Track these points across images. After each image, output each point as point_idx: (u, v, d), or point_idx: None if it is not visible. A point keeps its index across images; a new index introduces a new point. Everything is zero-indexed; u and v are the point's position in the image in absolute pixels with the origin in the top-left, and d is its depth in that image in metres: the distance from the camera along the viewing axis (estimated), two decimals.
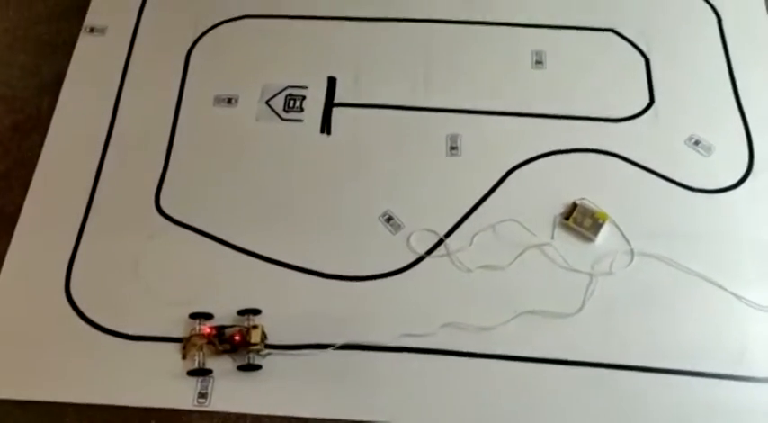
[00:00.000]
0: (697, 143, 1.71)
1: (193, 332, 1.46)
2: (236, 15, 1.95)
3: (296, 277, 1.57)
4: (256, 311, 1.50)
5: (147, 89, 1.83)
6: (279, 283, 1.56)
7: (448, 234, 1.60)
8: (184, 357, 1.47)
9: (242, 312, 1.50)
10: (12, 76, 1.91)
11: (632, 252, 1.56)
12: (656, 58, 1.84)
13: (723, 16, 1.90)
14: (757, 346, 1.46)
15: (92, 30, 1.93)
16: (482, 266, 1.56)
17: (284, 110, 1.79)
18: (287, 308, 1.53)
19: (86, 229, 1.63)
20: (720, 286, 1.52)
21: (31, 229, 1.64)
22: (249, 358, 1.45)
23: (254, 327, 1.45)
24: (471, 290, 1.54)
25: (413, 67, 1.85)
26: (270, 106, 1.80)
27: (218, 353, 1.46)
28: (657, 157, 1.69)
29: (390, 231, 1.62)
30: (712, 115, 1.75)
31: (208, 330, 1.45)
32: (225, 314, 1.51)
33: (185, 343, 1.47)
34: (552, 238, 1.59)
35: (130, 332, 1.51)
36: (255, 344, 1.43)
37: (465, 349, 1.47)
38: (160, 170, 1.71)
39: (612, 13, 1.92)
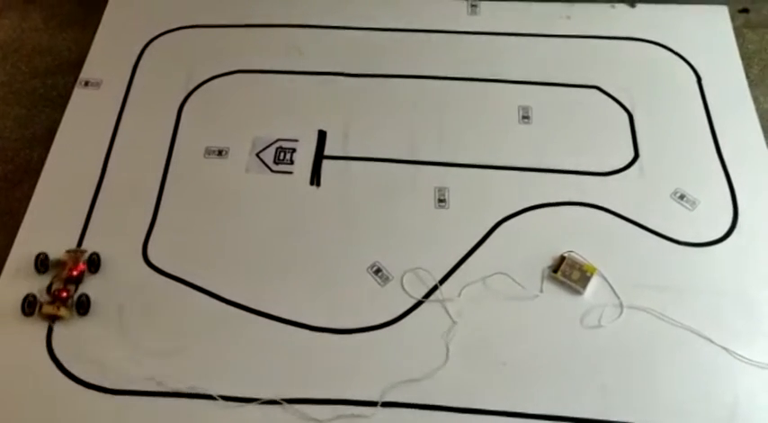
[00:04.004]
0: (682, 197, 1.73)
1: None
2: (229, 70, 1.99)
3: (281, 329, 1.55)
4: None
5: (139, 141, 1.85)
6: (264, 335, 1.54)
7: (434, 288, 1.59)
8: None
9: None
10: (4, 127, 1.93)
11: (621, 305, 1.56)
12: (640, 114, 1.88)
13: (702, 76, 1.96)
14: (748, 401, 1.44)
15: (86, 83, 1.97)
16: (469, 318, 1.55)
17: (274, 162, 1.81)
18: (270, 359, 1.50)
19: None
20: (709, 340, 1.51)
21: (16, 278, 1.62)
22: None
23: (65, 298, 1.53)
24: (457, 342, 1.52)
25: (402, 121, 1.88)
26: (260, 158, 1.81)
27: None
28: (643, 210, 1.71)
29: (379, 283, 1.61)
30: (696, 170, 1.78)
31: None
32: (210, 366, 1.49)
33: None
34: (541, 290, 1.59)
35: (112, 386, 1.47)
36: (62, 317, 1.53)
37: (450, 404, 1.44)
38: (149, 221, 1.71)
39: (596, 70, 1.98)
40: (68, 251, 1.62)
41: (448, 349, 1.51)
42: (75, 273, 1.58)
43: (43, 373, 1.49)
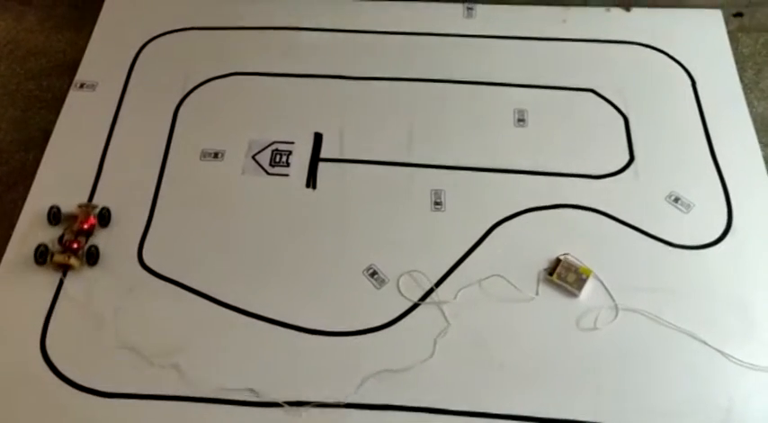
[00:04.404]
0: (677, 200, 1.74)
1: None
2: (225, 73, 1.99)
3: (278, 332, 1.54)
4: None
5: (135, 143, 1.85)
6: (260, 338, 1.54)
7: (430, 290, 1.60)
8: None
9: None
10: None
11: (616, 307, 1.57)
12: (635, 118, 1.89)
13: (697, 79, 1.97)
14: (743, 403, 1.45)
15: (82, 85, 1.96)
16: (466, 321, 1.55)
17: (270, 164, 1.81)
18: (266, 362, 1.50)
19: (66, 283, 1.61)
20: (704, 342, 1.52)
21: (10, 281, 1.62)
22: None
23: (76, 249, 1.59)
24: (454, 345, 1.52)
25: (398, 123, 1.89)
26: (256, 161, 1.81)
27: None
28: (638, 213, 1.71)
29: (375, 286, 1.61)
30: (691, 173, 1.79)
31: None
32: (204, 368, 1.48)
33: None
34: (537, 293, 1.59)
35: (107, 390, 1.47)
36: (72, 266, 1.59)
37: (446, 407, 1.44)
38: (144, 223, 1.71)
39: (591, 74, 1.99)
40: (80, 205, 1.69)
41: (435, 345, 1.51)
42: (85, 226, 1.65)
43: (36, 376, 1.48)
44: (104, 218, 1.69)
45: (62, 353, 1.52)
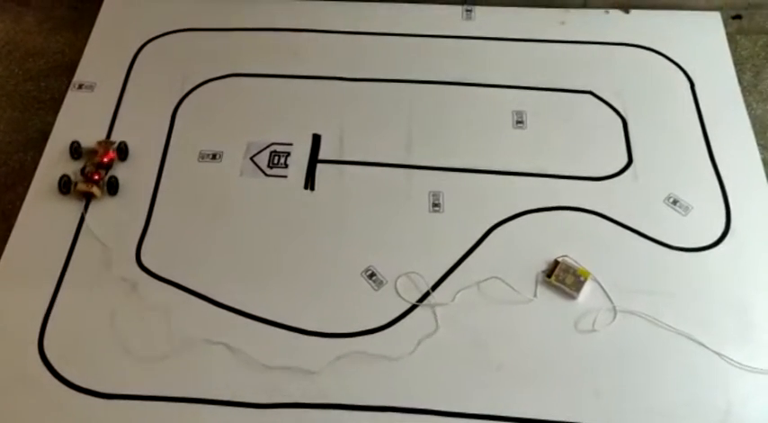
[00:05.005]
0: (675, 202, 1.74)
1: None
2: (223, 74, 1.99)
3: (276, 334, 1.54)
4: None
5: (133, 144, 1.84)
6: (257, 339, 1.53)
7: (428, 293, 1.60)
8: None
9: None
10: None
11: (615, 309, 1.57)
12: (634, 120, 1.89)
13: (696, 82, 1.97)
14: (741, 405, 1.45)
15: (80, 86, 1.96)
16: (463, 324, 1.55)
17: (269, 166, 1.80)
18: (264, 363, 1.50)
19: (64, 284, 1.61)
20: (702, 344, 1.52)
21: (7, 282, 1.62)
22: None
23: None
24: (452, 346, 1.52)
25: (396, 125, 1.89)
26: (254, 162, 1.81)
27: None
28: (637, 215, 1.71)
29: (373, 287, 1.61)
30: (689, 175, 1.79)
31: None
32: (202, 370, 1.48)
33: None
34: (535, 295, 1.59)
35: (105, 390, 1.46)
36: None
37: (444, 409, 1.44)
38: (142, 224, 1.70)
39: (590, 76, 1.99)
40: (99, 142, 1.81)
41: (418, 344, 1.52)
42: (105, 159, 1.77)
43: (36, 377, 1.48)
44: (123, 151, 1.80)
45: (60, 353, 1.51)
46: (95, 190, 1.72)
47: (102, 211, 1.73)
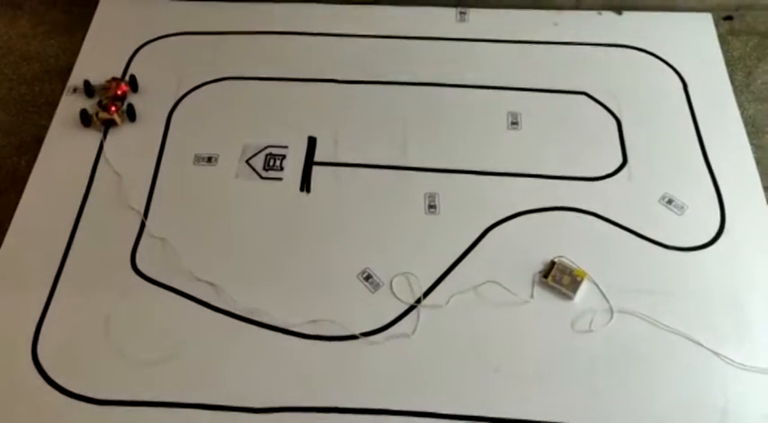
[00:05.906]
0: (670, 202, 1.74)
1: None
2: (218, 77, 1.99)
3: (273, 337, 1.54)
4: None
5: (128, 148, 1.84)
6: (254, 343, 1.53)
7: (427, 293, 1.60)
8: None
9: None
10: None
11: (611, 309, 1.57)
12: (628, 120, 1.90)
13: (688, 82, 1.98)
14: (738, 404, 1.45)
15: (75, 90, 1.95)
16: (460, 325, 1.55)
17: (264, 168, 1.80)
18: (261, 368, 1.49)
19: (58, 289, 1.60)
20: (699, 343, 1.52)
21: (1, 288, 1.60)
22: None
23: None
24: (449, 348, 1.52)
25: (392, 127, 1.89)
26: (250, 165, 1.81)
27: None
28: (632, 215, 1.72)
29: (369, 289, 1.61)
30: (683, 175, 1.80)
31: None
32: (199, 375, 1.47)
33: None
34: (531, 296, 1.59)
35: (99, 397, 1.46)
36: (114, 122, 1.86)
37: (443, 411, 1.44)
38: (137, 228, 1.70)
39: (584, 77, 1.99)
40: (108, 80, 1.94)
41: (415, 346, 1.52)
42: (119, 92, 1.91)
43: (29, 384, 1.47)
44: (134, 82, 1.94)
45: (53, 359, 1.51)
46: (116, 117, 1.84)
47: (101, 213, 1.73)
